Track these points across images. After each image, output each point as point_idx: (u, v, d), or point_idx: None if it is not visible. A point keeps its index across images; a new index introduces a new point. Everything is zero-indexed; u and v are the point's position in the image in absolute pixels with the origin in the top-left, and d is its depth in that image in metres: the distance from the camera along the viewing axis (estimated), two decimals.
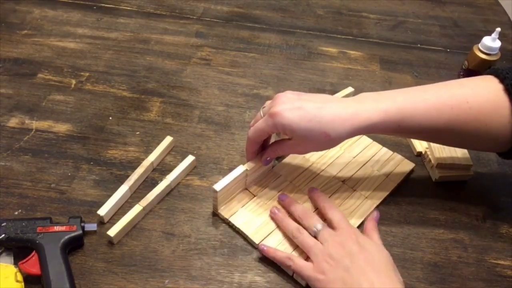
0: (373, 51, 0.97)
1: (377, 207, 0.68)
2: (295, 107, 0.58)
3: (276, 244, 0.61)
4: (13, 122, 0.76)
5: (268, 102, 0.63)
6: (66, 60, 0.88)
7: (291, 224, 0.62)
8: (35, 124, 0.75)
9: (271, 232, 0.63)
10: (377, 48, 0.98)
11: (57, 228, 0.59)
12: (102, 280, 0.58)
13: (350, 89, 0.78)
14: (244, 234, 0.63)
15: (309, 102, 0.59)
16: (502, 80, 0.58)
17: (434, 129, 0.59)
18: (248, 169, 0.64)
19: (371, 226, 0.62)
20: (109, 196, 0.64)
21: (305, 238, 0.59)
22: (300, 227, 0.61)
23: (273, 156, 0.65)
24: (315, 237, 0.59)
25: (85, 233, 0.60)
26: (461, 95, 0.59)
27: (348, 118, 0.58)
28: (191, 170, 0.71)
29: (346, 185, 0.70)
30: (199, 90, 0.84)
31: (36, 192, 0.66)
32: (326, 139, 0.58)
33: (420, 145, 0.76)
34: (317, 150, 0.64)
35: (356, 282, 0.53)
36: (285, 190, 0.68)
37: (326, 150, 0.74)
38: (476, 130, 0.59)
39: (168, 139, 0.72)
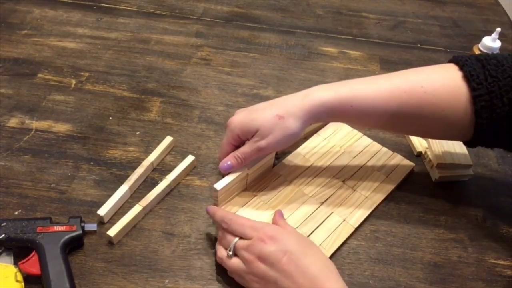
0: (373, 51, 0.97)
1: (377, 207, 0.68)
2: (245, 111, 0.63)
3: None
4: (13, 122, 0.76)
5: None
6: (66, 60, 0.88)
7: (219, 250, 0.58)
8: (35, 124, 0.75)
9: None
10: (377, 48, 0.98)
11: (57, 228, 0.59)
12: (102, 280, 0.58)
13: None
14: None
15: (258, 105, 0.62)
16: (461, 67, 0.58)
17: (388, 113, 0.59)
18: (249, 168, 0.64)
19: (278, 216, 0.60)
20: (109, 196, 0.64)
21: (226, 262, 0.56)
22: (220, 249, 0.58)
23: (234, 163, 0.62)
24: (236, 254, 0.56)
25: (85, 233, 0.60)
26: (416, 80, 0.59)
27: (300, 99, 0.59)
28: (191, 170, 0.71)
29: (346, 185, 0.70)
30: (199, 90, 0.84)
31: (36, 192, 0.66)
32: (281, 122, 0.58)
33: (420, 145, 0.76)
34: (279, 142, 0.60)
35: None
36: (285, 190, 0.68)
37: (326, 151, 0.74)
38: (432, 115, 0.58)
39: (168, 139, 0.72)
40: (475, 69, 0.57)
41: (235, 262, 0.55)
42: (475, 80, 0.56)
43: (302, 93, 0.61)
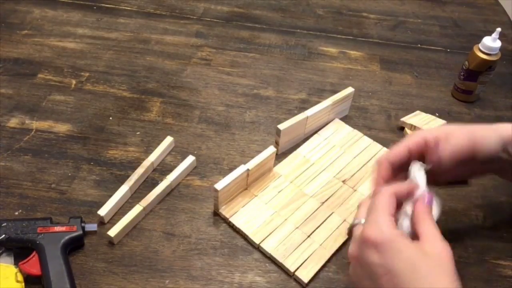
0: (373, 51, 0.97)
1: None
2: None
3: (276, 244, 0.61)
4: (13, 122, 0.76)
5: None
6: (66, 60, 0.88)
7: None
8: (35, 124, 0.75)
9: (271, 232, 0.63)
10: (377, 48, 0.98)
11: (57, 228, 0.59)
12: (102, 280, 0.58)
13: (350, 89, 0.78)
14: (245, 234, 0.63)
15: None
16: None
17: None
18: (250, 168, 0.64)
19: (421, 217, 0.46)
20: (110, 196, 0.64)
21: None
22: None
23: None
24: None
25: (85, 233, 0.60)
26: None
27: (494, 129, 0.54)
28: (191, 170, 0.71)
29: (346, 185, 0.70)
30: (199, 90, 0.84)
31: (37, 192, 0.66)
32: (471, 143, 0.52)
33: None
34: (458, 153, 0.53)
35: None
36: (285, 190, 0.68)
37: (326, 151, 0.74)
38: None
39: (168, 139, 0.72)
40: None
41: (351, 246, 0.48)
42: None
43: None
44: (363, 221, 0.47)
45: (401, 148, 0.54)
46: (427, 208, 0.47)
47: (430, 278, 0.41)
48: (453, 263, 0.42)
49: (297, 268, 0.59)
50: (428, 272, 0.41)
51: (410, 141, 0.55)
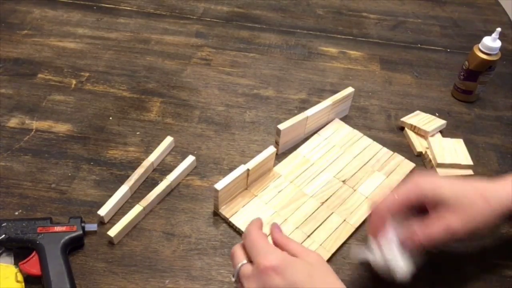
0: (373, 51, 0.97)
1: None
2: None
3: None
4: (13, 122, 0.76)
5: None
6: (66, 60, 0.88)
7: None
8: (35, 124, 0.75)
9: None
10: (377, 48, 0.98)
11: (57, 228, 0.59)
12: (102, 280, 0.57)
13: (350, 89, 0.78)
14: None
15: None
16: None
17: None
18: (250, 168, 0.64)
19: (284, 240, 0.50)
20: (109, 196, 0.64)
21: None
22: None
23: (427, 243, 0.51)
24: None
25: (85, 233, 0.60)
26: None
27: (508, 183, 0.51)
28: (191, 170, 0.71)
29: (346, 185, 0.70)
30: (199, 90, 0.84)
31: (36, 192, 0.66)
32: (485, 205, 0.50)
33: (420, 145, 0.76)
34: (472, 223, 0.51)
35: None
36: (285, 190, 0.68)
37: (326, 151, 0.74)
38: None
39: (168, 139, 0.72)
40: None
41: None
42: None
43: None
44: (245, 261, 0.49)
45: (399, 201, 0.53)
46: (278, 229, 0.52)
47: (323, 280, 0.46)
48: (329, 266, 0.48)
49: None
50: (319, 276, 0.46)
51: (410, 193, 0.53)
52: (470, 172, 0.72)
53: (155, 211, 0.65)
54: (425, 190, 0.52)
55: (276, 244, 0.50)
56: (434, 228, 0.51)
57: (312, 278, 0.45)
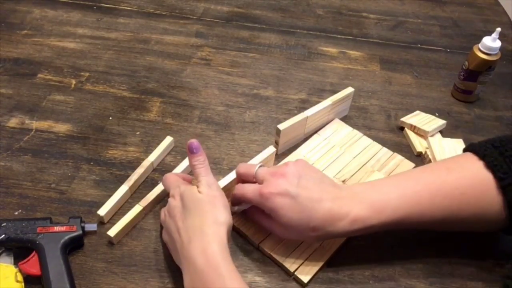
0: (373, 51, 0.97)
1: None
2: (290, 194, 0.55)
3: (276, 244, 0.61)
4: (13, 122, 0.76)
5: (264, 168, 0.60)
6: (66, 60, 0.88)
7: None
8: (35, 124, 0.75)
9: (271, 232, 0.63)
10: (377, 48, 0.98)
11: (57, 228, 0.59)
12: (102, 280, 0.58)
13: (350, 89, 0.78)
14: (244, 234, 0.63)
15: (305, 191, 0.55)
16: (482, 157, 0.57)
17: (431, 222, 0.57)
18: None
19: (197, 171, 0.59)
20: (109, 196, 0.64)
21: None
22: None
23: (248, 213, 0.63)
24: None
25: (85, 233, 0.60)
26: (451, 182, 0.57)
27: (341, 219, 0.55)
28: (192, 170, 0.71)
29: (347, 185, 0.69)
30: (199, 90, 0.84)
31: (36, 192, 0.66)
32: (313, 234, 0.56)
33: (420, 145, 0.76)
34: (297, 239, 0.61)
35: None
36: None
37: (326, 151, 0.74)
38: (472, 215, 0.57)
39: (168, 139, 0.72)
40: (496, 158, 0.56)
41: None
42: (500, 170, 0.55)
43: (345, 205, 0.56)
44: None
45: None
46: (196, 156, 0.59)
47: (206, 208, 0.55)
48: (224, 202, 0.56)
49: (297, 268, 0.59)
50: (205, 205, 0.55)
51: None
52: None
53: (155, 211, 0.65)
54: (265, 208, 0.58)
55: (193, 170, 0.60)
56: (264, 222, 0.59)
57: (198, 206, 0.55)
